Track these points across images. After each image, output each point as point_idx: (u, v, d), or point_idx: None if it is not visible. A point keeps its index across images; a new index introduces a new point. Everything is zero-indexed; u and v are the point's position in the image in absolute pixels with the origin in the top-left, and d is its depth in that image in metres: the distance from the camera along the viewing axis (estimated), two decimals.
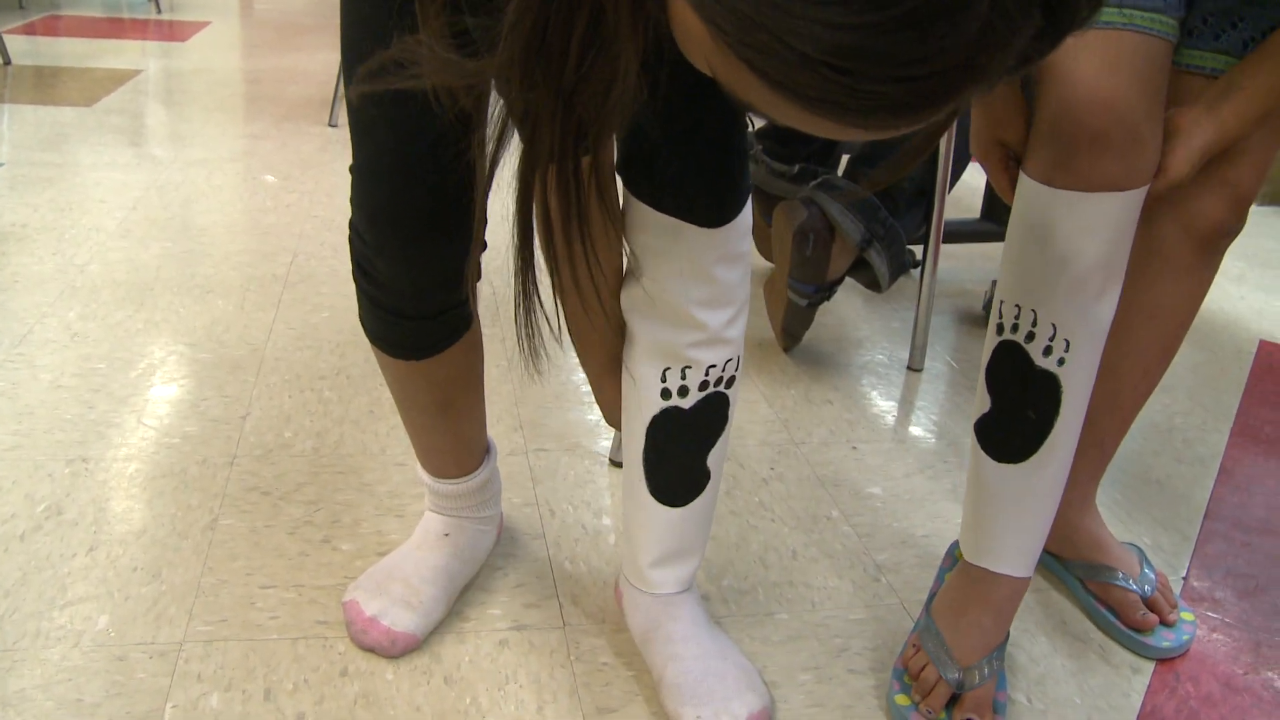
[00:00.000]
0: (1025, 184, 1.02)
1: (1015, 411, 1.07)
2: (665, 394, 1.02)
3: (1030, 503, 1.09)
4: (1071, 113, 0.98)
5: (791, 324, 1.83)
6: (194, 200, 2.49)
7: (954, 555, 1.22)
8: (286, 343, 1.80)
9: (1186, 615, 1.25)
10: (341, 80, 3.20)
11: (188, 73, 3.93)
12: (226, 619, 1.15)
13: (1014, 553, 1.10)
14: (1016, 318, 1.05)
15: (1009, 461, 1.08)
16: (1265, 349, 2.15)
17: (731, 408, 1.07)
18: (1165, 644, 1.20)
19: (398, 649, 1.12)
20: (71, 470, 1.39)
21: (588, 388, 1.70)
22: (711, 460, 1.07)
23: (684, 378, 1.02)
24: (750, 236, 1.01)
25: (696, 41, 0.53)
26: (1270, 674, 1.19)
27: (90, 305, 1.89)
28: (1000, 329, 1.06)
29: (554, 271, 0.79)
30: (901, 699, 1.09)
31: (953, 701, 1.09)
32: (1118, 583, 1.24)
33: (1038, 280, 1.03)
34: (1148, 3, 0.97)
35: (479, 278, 0.99)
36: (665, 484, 1.07)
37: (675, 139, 0.92)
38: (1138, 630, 1.21)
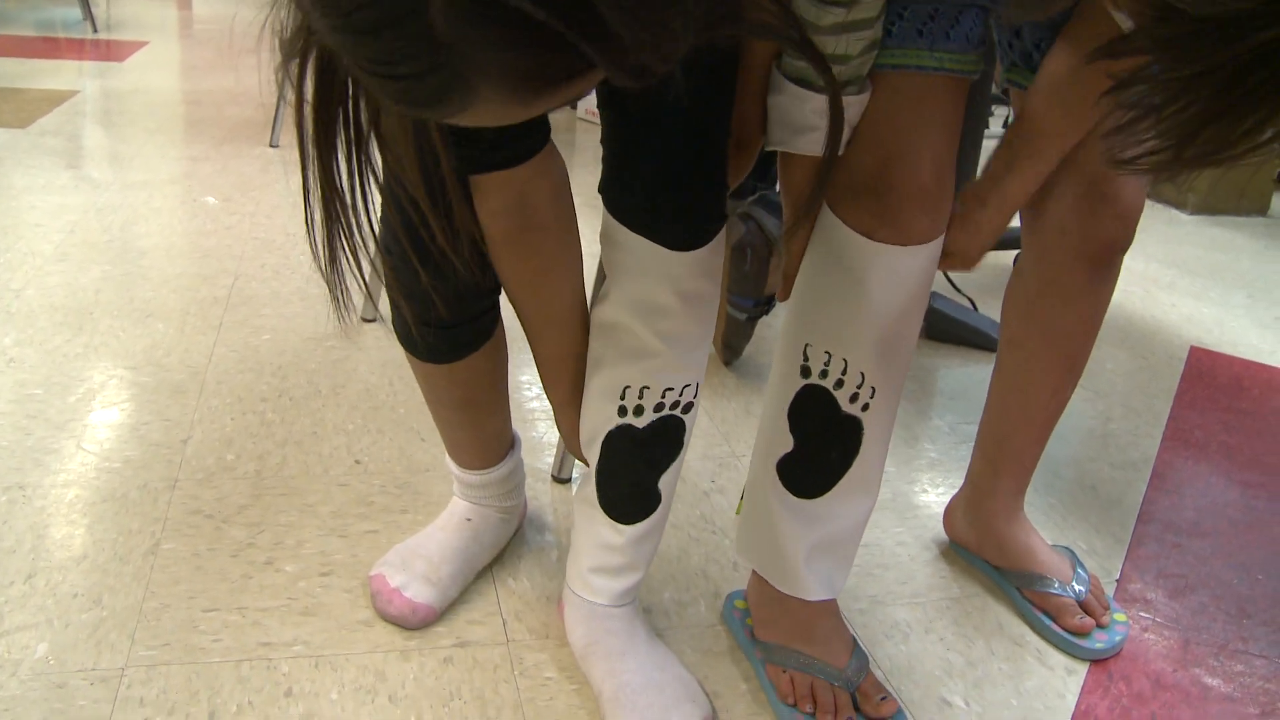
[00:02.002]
0: (840, 231, 1.01)
1: (819, 453, 1.09)
2: (621, 411, 1.05)
3: (831, 532, 1.11)
4: (896, 166, 0.97)
5: (732, 338, 1.85)
6: (133, 223, 2.47)
7: (737, 606, 1.24)
8: (228, 365, 1.79)
9: (1119, 616, 1.28)
10: (280, 100, 3.20)
11: (126, 93, 3.89)
12: (169, 643, 1.15)
13: (821, 581, 1.12)
14: (826, 364, 1.05)
15: (809, 497, 1.10)
16: (1195, 355, 2.20)
17: (687, 434, 1.09)
18: (1099, 645, 1.23)
19: (418, 618, 1.20)
20: (8, 498, 1.38)
21: (532, 404, 1.71)
22: (663, 483, 1.10)
23: (641, 397, 1.04)
24: (716, 271, 1.03)
25: None
26: (1198, 670, 1.22)
27: (26, 330, 1.87)
28: (806, 372, 1.06)
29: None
30: None
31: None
32: (1053, 591, 1.27)
33: (849, 328, 1.03)
34: (956, 46, 0.96)
35: (499, 288, 1.06)
36: (615, 500, 1.09)
37: (650, 160, 0.95)
38: (1074, 634, 1.24)
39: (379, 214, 1.00)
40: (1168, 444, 1.79)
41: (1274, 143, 0.64)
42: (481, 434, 1.25)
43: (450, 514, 1.30)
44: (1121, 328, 2.30)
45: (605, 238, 1.01)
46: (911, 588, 1.34)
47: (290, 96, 0.70)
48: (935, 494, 1.56)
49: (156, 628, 1.17)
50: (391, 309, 1.13)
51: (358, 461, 1.53)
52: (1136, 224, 1.15)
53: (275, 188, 2.84)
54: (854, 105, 0.95)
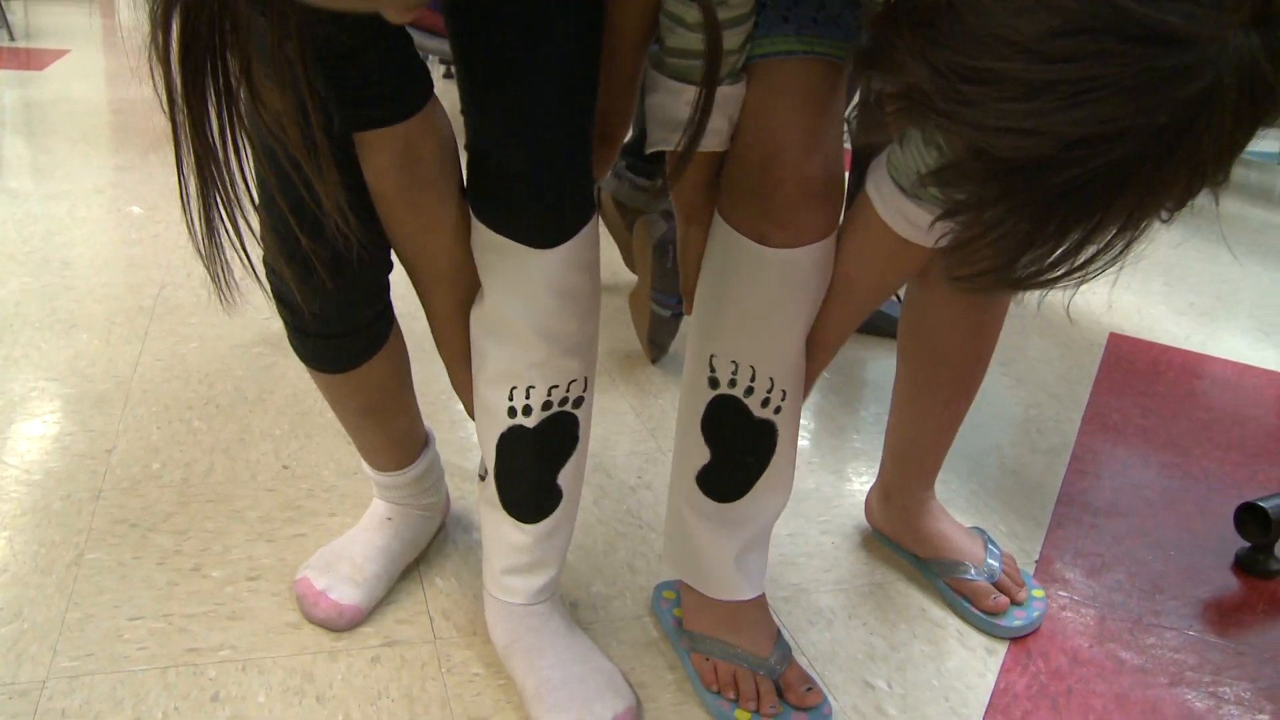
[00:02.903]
0: (732, 239, 1.02)
1: (735, 459, 1.11)
2: (511, 412, 1.05)
3: (754, 530, 1.14)
4: (780, 160, 0.97)
5: (657, 335, 1.87)
6: (55, 233, 2.44)
7: (666, 596, 1.26)
8: (154, 374, 1.78)
9: (1037, 592, 1.31)
10: None
11: (46, 103, 3.83)
12: (93, 653, 1.14)
13: (744, 580, 1.15)
14: (734, 374, 1.07)
15: (729, 500, 1.13)
16: (1114, 340, 2.25)
17: (582, 428, 1.09)
18: (1017, 623, 1.27)
19: (345, 620, 1.20)
20: None
21: (457, 405, 1.71)
22: (563, 480, 1.10)
23: (527, 397, 1.04)
24: (592, 264, 1.02)
25: None
26: (1113, 645, 1.26)
27: None
28: (715, 383, 1.08)
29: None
30: (741, 714, 1.11)
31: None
32: (968, 576, 1.29)
33: (752, 337, 1.05)
34: (824, 30, 0.96)
35: (388, 289, 1.07)
36: (517, 500, 1.10)
37: (508, 160, 0.95)
38: (991, 614, 1.27)
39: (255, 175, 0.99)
40: (1087, 428, 1.83)
41: (1092, 265, 0.69)
42: (391, 436, 1.25)
43: (371, 515, 1.30)
44: (1044, 316, 2.35)
45: (474, 241, 1.00)
46: (835, 575, 1.36)
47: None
48: (859, 483, 1.59)
49: (79, 638, 1.16)
50: (283, 320, 1.11)
51: (285, 466, 1.52)
52: None
53: None
54: (732, 97, 0.96)
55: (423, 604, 1.25)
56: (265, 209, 0.96)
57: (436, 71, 4.48)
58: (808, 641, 1.24)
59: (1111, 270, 0.72)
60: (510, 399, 1.04)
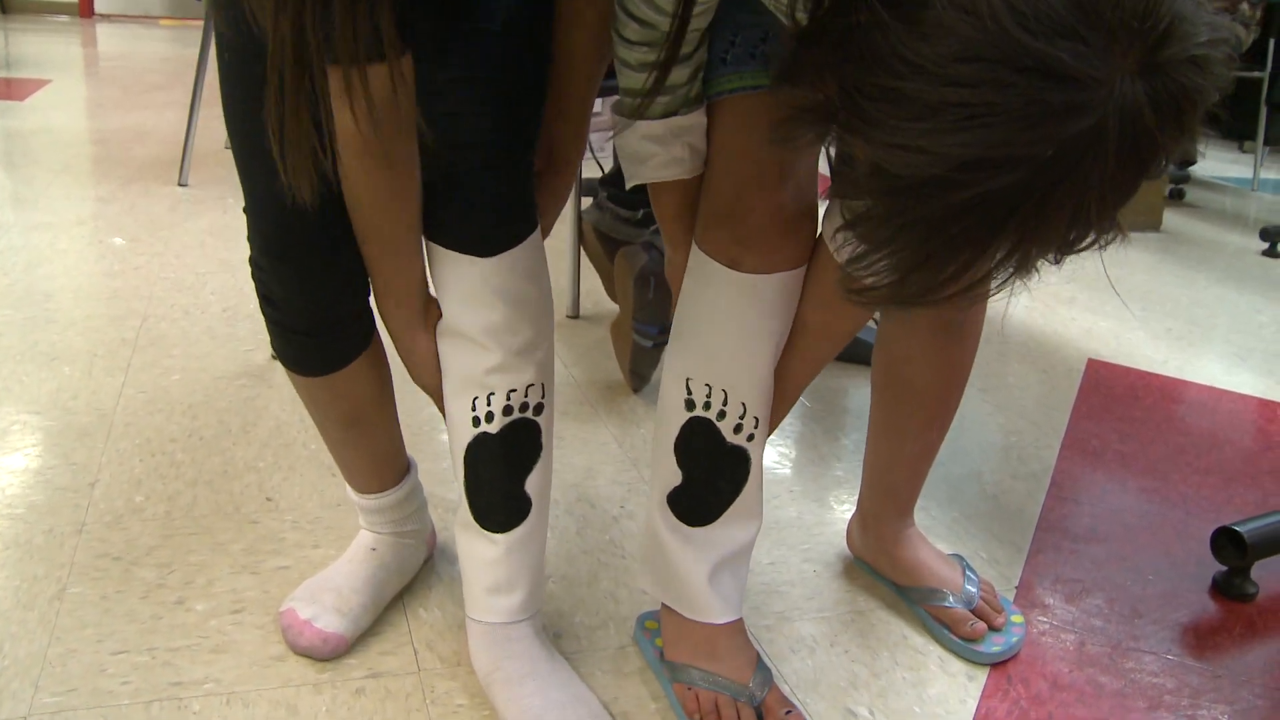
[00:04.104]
0: (706, 265, 1.05)
1: (707, 483, 1.13)
2: (475, 421, 1.09)
3: (725, 555, 1.15)
4: (752, 189, 1.02)
5: (639, 365, 1.88)
6: (37, 265, 2.44)
7: (648, 626, 1.27)
8: (137, 407, 1.78)
9: (1016, 618, 1.32)
10: (188, 138, 3.18)
11: (27, 133, 3.83)
12: (76, 688, 1.14)
13: (718, 601, 1.16)
14: (708, 397, 1.09)
15: (699, 525, 1.14)
16: (1093, 366, 2.28)
17: (544, 437, 1.13)
18: (995, 649, 1.27)
19: (329, 648, 1.20)
20: None
21: (441, 436, 1.72)
22: (530, 487, 1.13)
23: (488, 404, 1.08)
24: (539, 274, 1.09)
25: None
26: (1092, 670, 1.27)
27: None
28: (690, 405, 1.11)
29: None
30: None
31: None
32: (947, 604, 1.30)
33: (726, 361, 1.08)
34: None
35: (368, 291, 1.10)
36: (486, 509, 1.13)
37: (447, 170, 1.01)
38: (969, 640, 1.28)
39: (247, 234, 1.08)
40: (1066, 454, 1.85)
41: (979, 288, 0.72)
42: (375, 454, 1.26)
43: (356, 545, 1.31)
44: (1023, 342, 2.37)
45: (428, 257, 1.07)
46: (817, 603, 1.37)
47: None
48: (840, 511, 1.60)
49: (62, 673, 1.16)
50: (268, 322, 1.14)
51: (269, 499, 1.53)
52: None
53: (184, 227, 2.82)
54: (689, 126, 1.02)
55: (407, 635, 1.25)
56: (251, 198, 1.04)
57: None
58: (790, 669, 1.24)
59: (1001, 293, 0.75)
60: (473, 409, 1.09)
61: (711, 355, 1.08)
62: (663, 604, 1.20)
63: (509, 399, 1.09)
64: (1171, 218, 3.68)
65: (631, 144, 1.05)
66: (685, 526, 1.14)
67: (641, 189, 1.10)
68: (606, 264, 2.02)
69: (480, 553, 1.14)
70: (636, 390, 1.95)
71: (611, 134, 1.09)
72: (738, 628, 1.18)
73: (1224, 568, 1.46)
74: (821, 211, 1.07)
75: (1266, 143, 4.32)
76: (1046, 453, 1.85)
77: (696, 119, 1.02)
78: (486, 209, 1.04)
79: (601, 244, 2.02)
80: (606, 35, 1.00)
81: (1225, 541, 1.45)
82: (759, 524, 1.16)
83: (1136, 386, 2.18)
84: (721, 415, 1.09)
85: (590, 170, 2.34)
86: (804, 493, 1.65)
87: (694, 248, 1.07)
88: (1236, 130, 4.94)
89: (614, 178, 2.03)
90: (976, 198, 0.65)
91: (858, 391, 2.05)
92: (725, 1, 1.00)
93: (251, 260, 1.10)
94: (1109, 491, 1.72)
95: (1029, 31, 0.61)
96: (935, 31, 0.64)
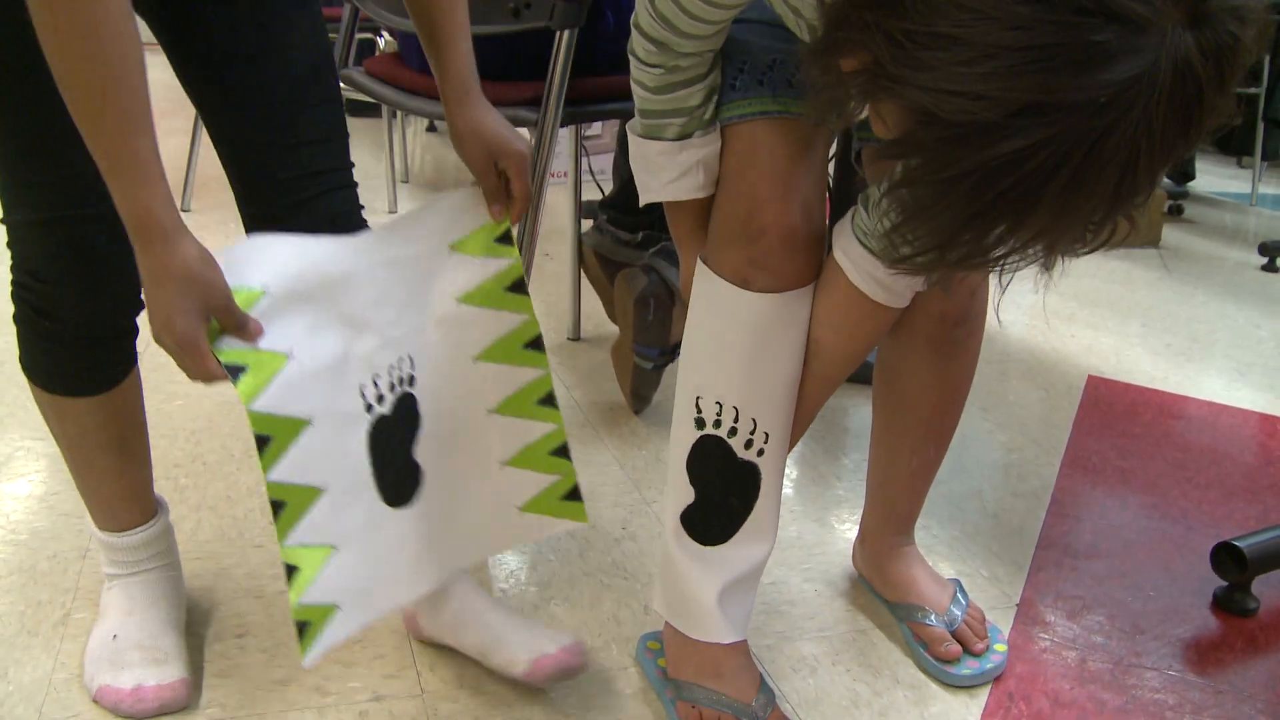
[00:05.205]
0: (715, 284, 1.07)
1: (719, 500, 1.14)
2: (369, 408, 1.04)
3: (737, 576, 1.15)
4: (763, 210, 1.04)
5: (640, 386, 1.89)
6: None
7: (650, 647, 1.28)
8: None
9: (999, 647, 1.31)
10: (190, 163, 3.20)
11: None
12: (78, 713, 1.14)
13: (725, 622, 1.16)
14: (718, 414, 1.10)
15: (713, 544, 1.15)
16: (1093, 383, 2.28)
17: (422, 407, 1.10)
18: (965, 672, 1.27)
19: (184, 693, 1.15)
20: None
21: None
22: (420, 457, 1.11)
23: (375, 386, 1.05)
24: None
25: None
26: (1094, 686, 1.27)
27: None
28: (700, 423, 1.11)
29: None
30: None
31: None
32: (928, 622, 1.30)
33: (735, 378, 1.09)
34: (798, 91, 1.04)
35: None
36: (392, 484, 1.08)
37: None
38: (942, 660, 1.28)
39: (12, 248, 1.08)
40: (1066, 471, 1.85)
41: (1029, 249, 0.72)
42: (137, 483, 1.23)
43: (127, 597, 1.23)
44: (1024, 360, 2.38)
45: None
46: (818, 622, 1.38)
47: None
48: (841, 531, 1.61)
49: (66, 699, 1.16)
50: (34, 342, 1.13)
51: (272, 523, 1.53)
52: (974, 299, 1.19)
53: None
54: (703, 148, 1.06)
55: (409, 658, 1.26)
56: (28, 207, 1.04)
57: (421, 124, 4.54)
58: (791, 689, 1.25)
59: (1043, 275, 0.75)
60: (362, 395, 1.04)
61: (721, 373, 1.10)
62: (666, 623, 1.21)
63: (391, 375, 1.07)
64: (1170, 233, 3.68)
65: (646, 161, 1.09)
66: (698, 546, 1.15)
67: (642, 211, 1.12)
68: (607, 286, 2.03)
69: (395, 531, 1.09)
70: (637, 412, 1.96)
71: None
72: (742, 648, 1.18)
73: (1225, 583, 1.46)
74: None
75: (1264, 158, 4.32)
76: (1047, 470, 1.85)
77: (710, 141, 1.06)
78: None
79: (601, 266, 2.04)
80: None
81: (1226, 557, 1.46)
82: (772, 543, 1.17)
83: (1136, 403, 2.18)
84: (732, 432, 1.10)
85: (589, 191, 2.36)
86: (804, 513, 1.65)
87: (701, 267, 1.09)
88: (1234, 146, 4.95)
89: (614, 201, 2.05)
90: (1029, 148, 0.66)
91: (858, 411, 2.06)
92: (734, 28, 1.02)
93: (22, 274, 1.08)
94: (1109, 508, 1.72)
95: None
96: None
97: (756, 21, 1.05)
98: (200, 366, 0.92)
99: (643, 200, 1.13)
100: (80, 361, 1.13)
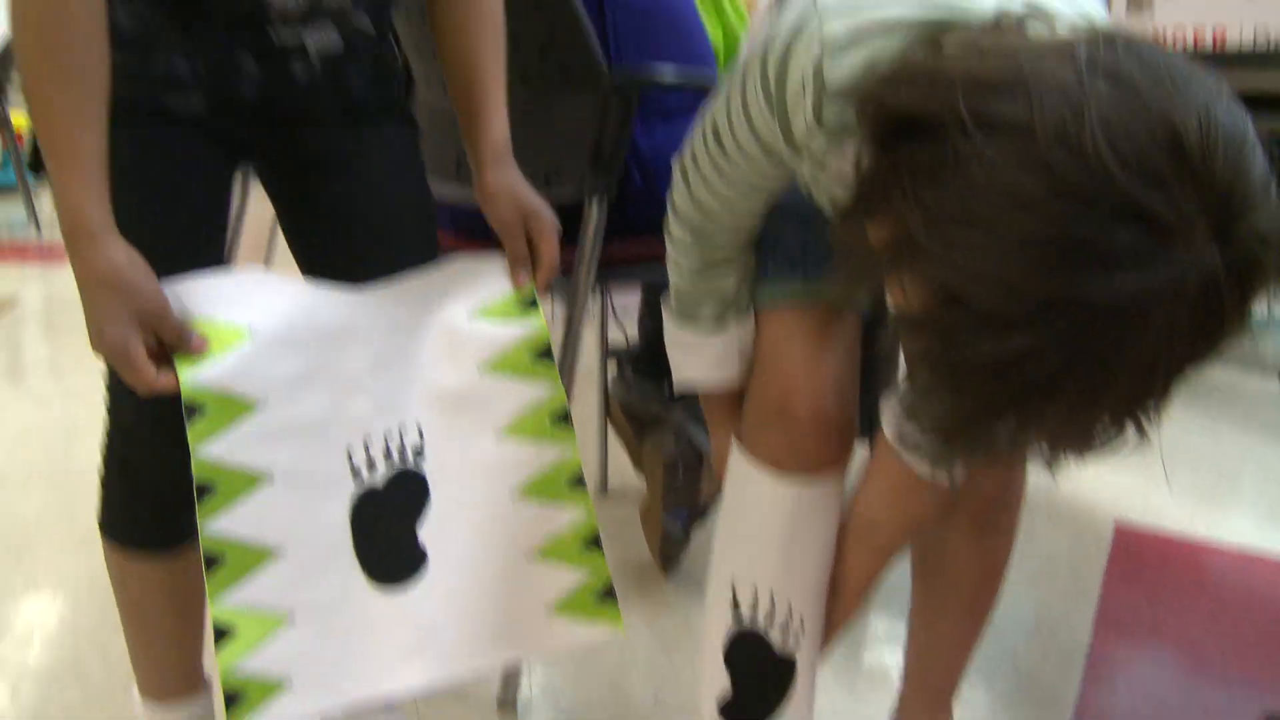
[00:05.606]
0: (750, 470, 1.08)
1: (757, 693, 1.13)
2: (355, 473, 1.03)
3: None
4: (797, 395, 1.05)
5: (669, 549, 1.89)
6: (77, 439, 2.48)
7: None
8: None
9: None
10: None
11: (70, 299, 3.90)
12: None
13: None
14: (754, 599, 1.10)
15: None
16: (1121, 534, 2.26)
17: (431, 480, 1.07)
18: None
19: None
20: None
21: None
22: (425, 537, 1.06)
23: (366, 451, 1.04)
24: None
25: None
26: None
27: None
28: (737, 606, 1.11)
29: None
30: None
31: None
32: None
33: (773, 564, 1.09)
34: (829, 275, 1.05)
35: None
36: (377, 560, 1.04)
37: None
38: None
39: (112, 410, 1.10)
40: (1100, 630, 1.83)
41: (1036, 444, 0.72)
42: (196, 646, 1.21)
43: None
44: (1047, 506, 2.37)
45: None
46: None
47: None
48: (869, 701, 1.59)
49: None
50: (114, 508, 1.13)
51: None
52: (1019, 481, 1.20)
53: None
54: (740, 334, 1.09)
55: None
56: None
57: None
58: None
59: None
60: (349, 459, 1.03)
61: (757, 559, 1.10)
62: None
63: (385, 442, 1.05)
64: None
65: (682, 347, 1.12)
66: None
67: (664, 367, 1.15)
68: (633, 441, 2.04)
69: (378, 613, 1.05)
70: (667, 573, 1.95)
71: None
72: None
73: None
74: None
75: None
76: (1079, 626, 1.83)
77: (745, 327, 1.09)
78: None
79: (628, 421, 2.05)
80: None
81: None
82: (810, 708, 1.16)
83: (1166, 554, 2.16)
84: (770, 619, 1.10)
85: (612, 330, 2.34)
86: (834, 681, 1.64)
87: (736, 451, 1.10)
88: None
89: (639, 356, 2.06)
90: (1048, 344, 0.65)
91: (885, 579, 2.04)
92: (767, 215, 1.05)
93: (118, 431, 1.08)
94: (1146, 672, 1.70)
95: (1128, 172, 0.63)
96: (1038, 166, 0.64)
97: (788, 205, 1.08)
98: (136, 377, 0.90)
99: (677, 388, 1.15)
100: (156, 516, 1.10)
